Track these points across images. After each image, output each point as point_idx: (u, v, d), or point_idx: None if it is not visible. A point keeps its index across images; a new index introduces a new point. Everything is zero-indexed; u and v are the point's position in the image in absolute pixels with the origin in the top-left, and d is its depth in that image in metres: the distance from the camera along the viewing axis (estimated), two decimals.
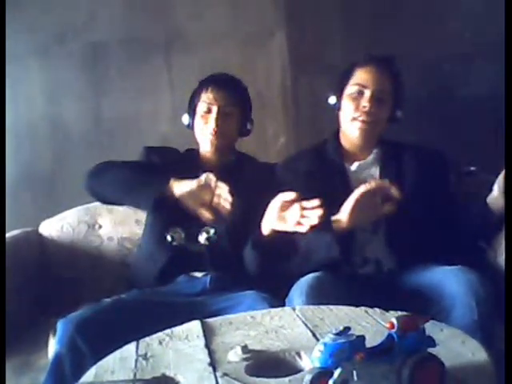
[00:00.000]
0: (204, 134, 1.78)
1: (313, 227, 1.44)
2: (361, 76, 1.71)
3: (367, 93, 1.68)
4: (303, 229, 1.45)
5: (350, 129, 1.71)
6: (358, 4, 2.18)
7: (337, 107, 1.75)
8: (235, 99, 1.79)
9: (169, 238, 1.71)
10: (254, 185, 1.71)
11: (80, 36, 2.20)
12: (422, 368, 0.88)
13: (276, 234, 1.53)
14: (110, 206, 2.03)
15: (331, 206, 1.54)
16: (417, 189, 1.66)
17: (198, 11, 2.18)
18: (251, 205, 1.60)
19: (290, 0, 2.16)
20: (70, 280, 2.01)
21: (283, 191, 1.51)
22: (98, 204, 2.08)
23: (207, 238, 1.70)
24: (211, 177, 1.67)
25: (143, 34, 2.20)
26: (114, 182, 1.78)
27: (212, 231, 1.71)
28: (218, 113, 1.76)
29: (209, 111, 1.77)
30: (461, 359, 0.95)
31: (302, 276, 1.52)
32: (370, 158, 1.74)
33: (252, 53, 2.20)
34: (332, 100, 1.76)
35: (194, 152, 1.86)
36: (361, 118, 1.68)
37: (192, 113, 1.81)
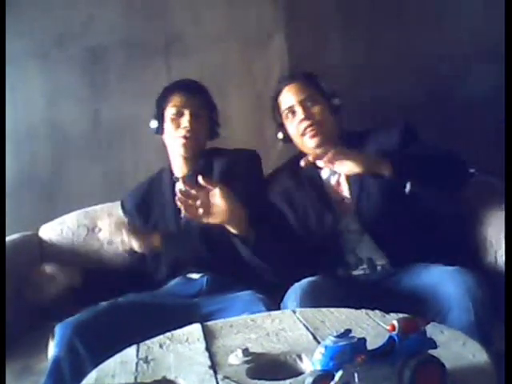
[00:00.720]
0: (176, 138, 1.77)
1: None
2: (285, 99, 1.77)
3: (297, 107, 1.73)
4: None
5: (307, 143, 1.73)
6: (358, 5, 2.17)
7: (287, 138, 1.79)
8: (203, 102, 1.80)
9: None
10: (229, 175, 1.71)
11: (79, 39, 2.19)
12: (423, 370, 0.88)
13: None
14: (109, 209, 2.04)
15: (313, 216, 1.66)
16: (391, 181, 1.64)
17: (196, 14, 2.18)
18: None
19: (288, 1, 2.16)
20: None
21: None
22: (97, 207, 2.09)
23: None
24: None
25: (142, 37, 2.19)
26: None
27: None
28: (191, 115, 1.76)
29: (180, 114, 1.76)
30: (461, 361, 0.95)
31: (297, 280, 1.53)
32: None
33: (251, 54, 2.19)
34: (280, 135, 1.80)
35: (165, 170, 1.87)
36: (308, 129, 1.72)
37: (160, 118, 1.80)
